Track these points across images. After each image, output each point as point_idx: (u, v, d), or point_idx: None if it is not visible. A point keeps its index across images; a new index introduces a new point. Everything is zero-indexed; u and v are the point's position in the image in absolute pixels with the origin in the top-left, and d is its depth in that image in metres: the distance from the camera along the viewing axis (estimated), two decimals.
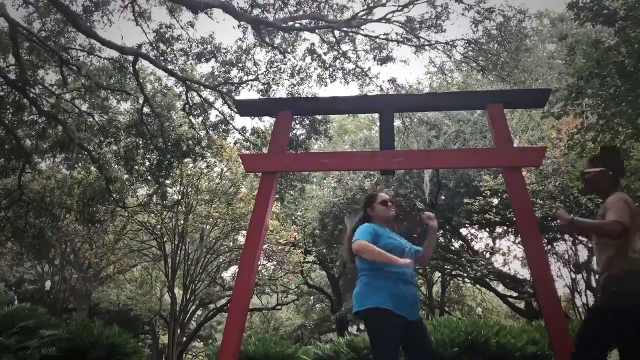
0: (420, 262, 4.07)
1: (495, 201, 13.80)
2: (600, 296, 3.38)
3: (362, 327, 17.82)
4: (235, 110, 11.51)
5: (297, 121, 12.38)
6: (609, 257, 3.29)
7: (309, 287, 25.16)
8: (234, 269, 21.02)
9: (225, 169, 17.52)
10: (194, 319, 24.95)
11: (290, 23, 11.80)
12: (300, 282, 23.61)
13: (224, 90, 12.66)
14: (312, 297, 28.36)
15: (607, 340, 3.31)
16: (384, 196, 4.05)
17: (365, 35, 12.21)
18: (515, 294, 17.46)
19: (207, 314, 26.11)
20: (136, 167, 13.42)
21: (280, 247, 17.91)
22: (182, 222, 17.27)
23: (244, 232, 16.77)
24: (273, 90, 12.56)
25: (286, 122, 5.51)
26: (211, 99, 13.23)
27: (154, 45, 12.12)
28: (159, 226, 17.72)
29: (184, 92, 12.74)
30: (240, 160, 6.40)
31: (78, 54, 12.82)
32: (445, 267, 17.31)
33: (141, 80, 12.37)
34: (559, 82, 13.62)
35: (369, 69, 17.61)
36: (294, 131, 12.29)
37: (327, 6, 11.96)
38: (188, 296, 18.25)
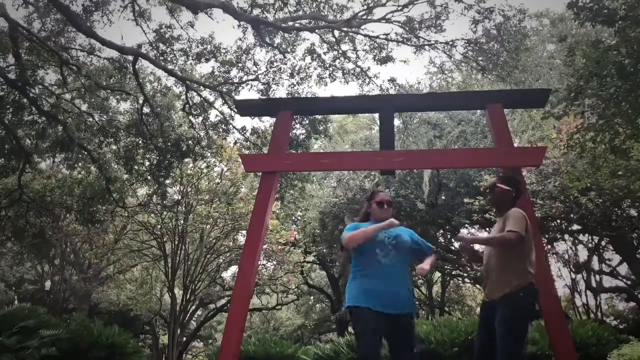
0: (419, 267, 4.05)
1: None
2: (507, 310, 3.65)
3: None
4: (235, 110, 11.51)
5: (297, 121, 12.38)
6: (515, 273, 3.66)
7: (309, 287, 25.16)
8: (234, 269, 21.01)
9: (225, 169, 17.51)
10: (194, 319, 24.93)
11: (290, 23, 11.80)
12: (300, 282, 23.59)
13: (224, 90, 12.66)
14: (312, 297, 28.36)
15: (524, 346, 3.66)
16: (382, 197, 4.15)
17: (365, 35, 12.21)
18: None
19: (207, 314, 26.10)
20: (136, 167, 13.41)
21: (280, 247, 17.89)
22: (182, 222, 17.25)
23: (244, 232, 16.76)
24: (273, 90, 12.57)
25: (286, 122, 5.52)
26: (211, 99, 13.23)
27: (153, 45, 12.12)
28: (159, 226, 17.71)
29: (184, 92, 12.73)
30: (240, 160, 6.40)
31: (78, 54, 12.83)
32: (445, 267, 17.31)
33: (141, 80, 12.36)
34: (560, 82, 13.61)
35: (369, 68, 17.60)
36: (294, 131, 12.29)
37: (327, 6, 11.95)
38: (188, 296, 18.23)
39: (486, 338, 3.73)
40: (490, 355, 3.65)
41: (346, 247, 3.93)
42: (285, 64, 12.56)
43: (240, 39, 12.59)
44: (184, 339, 22.09)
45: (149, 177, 13.65)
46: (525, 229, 3.66)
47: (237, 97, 12.22)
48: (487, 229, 14.38)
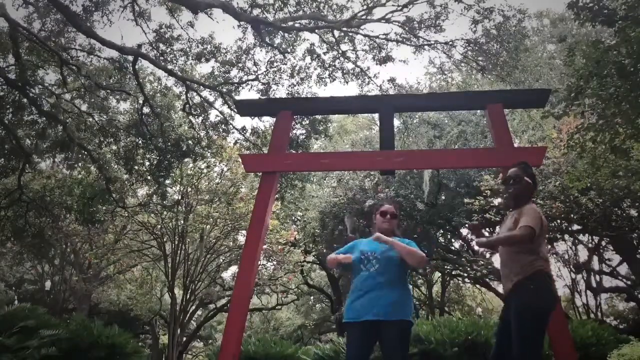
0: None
1: (496, 201, 13.79)
2: (518, 298, 3.64)
3: None
4: (235, 110, 11.51)
5: (297, 121, 12.38)
6: (523, 264, 3.64)
7: (309, 287, 25.14)
8: (234, 269, 21.00)
9: (225, 169, 17.51)
10: (194, 319, 24.93)
11: (290, 23, 11.80)
12: (300, 282, 23.58)
13: (224, 90, 12.66)
14: (312, 297, 28.35)
15: (543, 334, 3.63)
16: (385, 208, 4.22)
17: (365, 35, 12.22)
18: None
19: (207, 314, 26.08)
20: (136, 167, 13.42)
21: (280, 247, 17.88)
22: (182, 222, 17.25)
23: (244, 232, 16.75)
24: (273, 90, 12.58)
25: (286, 122, 5.52)
26: (211, 99, 13.24)
27: (153, 45, 12.13)
28: (159, 226, 17.71)
29: (184, 92, 12.74)
30: (240, 160, 6.40)
31: (78, 54, 12.84)
32: (445, 267, 17.29)
33: (141, 80, 12.36)
34: (560, 82, 13.61)
35: (369, 68, 17.61)
36: (294, 131, 12.29)
37: (327, 6, 11.96)
38: (188, 296, 18.23)
39: (504, 332, 3.70)
40: (508, 348, 3.61)
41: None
42: (285, 64, 12.58)
43: (240, 39, 12.62)
44: (184, 339, 22.07)
45: (149, 177, 13.66)
46: (540, 227, 3.60)
47: (237, 97, 12.23)
48: (488, 228, 14.37)
